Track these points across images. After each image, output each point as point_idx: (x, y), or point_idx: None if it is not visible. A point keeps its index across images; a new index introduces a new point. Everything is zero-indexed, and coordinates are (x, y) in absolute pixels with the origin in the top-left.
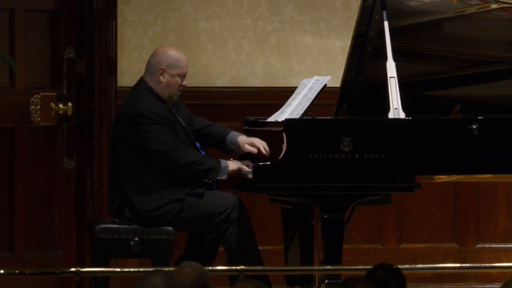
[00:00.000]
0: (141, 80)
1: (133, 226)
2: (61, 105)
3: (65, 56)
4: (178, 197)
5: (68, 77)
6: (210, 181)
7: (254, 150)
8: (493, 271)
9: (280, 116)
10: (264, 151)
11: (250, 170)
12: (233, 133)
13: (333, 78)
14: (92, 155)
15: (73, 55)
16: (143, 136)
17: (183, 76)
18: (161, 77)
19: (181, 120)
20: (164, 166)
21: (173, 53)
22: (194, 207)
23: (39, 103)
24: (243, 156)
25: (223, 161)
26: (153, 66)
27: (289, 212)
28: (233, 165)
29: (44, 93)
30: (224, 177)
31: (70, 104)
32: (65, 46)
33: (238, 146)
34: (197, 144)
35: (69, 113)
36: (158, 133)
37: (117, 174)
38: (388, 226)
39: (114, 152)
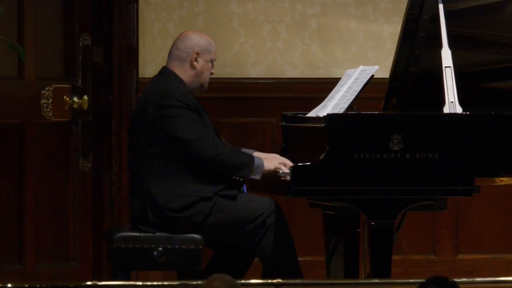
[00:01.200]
0: (165, 69)
1: (156, 234)
2: (75, 99)
3: (80, 44)
4: (207, 195)
5: (83, 67)
6: (241, 180)
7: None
8: None
9: (321, 111)
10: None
11: (288, 171)
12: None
13: (381, 68)
14: (110, 155)
15: (89, 42)
16: (168, 122)
17: (213, 62)
18: (195, 62)
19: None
20: (190, 157)
21: (204, 37)
22: (225, 211)
23: (51, 96)
24: (280, 155)
25: (257, 158)
26: (183, 51)
27: (332, 219)
28: (269, 164)
29: (56, 85)
30: (257, 176)
31: (86, 98)
32: (80, 32)
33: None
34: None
35: (85, 107)
36: (184, 119)
37: (138, 172)
38: (443, 235)
39: (134, 144)
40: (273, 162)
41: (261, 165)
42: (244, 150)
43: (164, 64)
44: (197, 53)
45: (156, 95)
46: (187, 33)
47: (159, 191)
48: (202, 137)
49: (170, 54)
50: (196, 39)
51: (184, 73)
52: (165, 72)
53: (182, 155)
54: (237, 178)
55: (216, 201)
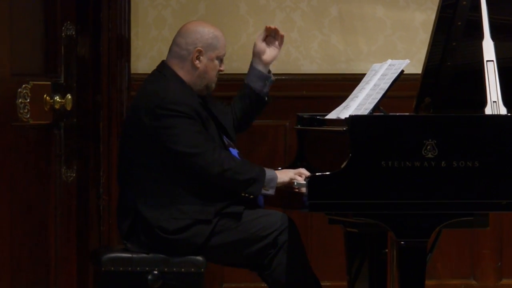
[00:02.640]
0: (164, 66)
1: (151, 255)
2: (57, 98)
3: (63, 34)
4: (203, 218)
5: (66, 61)
6: (251, 197)
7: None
8: None
9: (343, 112)
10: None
11: (304, 182)
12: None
13: (413, 62)
14: (98, 163)
15: (73, 32)
16: (165, 134)
17: (221, 58)
18: (197, 61)
19: (217, 117)
20: (190, 174)
21: (209, 30)
22: (229, 230)
23: (29, 95)
24: (294, 163)
25: (269, 171)
26: (184, 48)
27: (355, 237)
28: (283, 176)
29: (35, 82)
30: (270, 191)
31: (69, 97)
32: (62, 21)
33: (258, 56)
34: (235, 152)
35: (68, 108)
36: (185, 130)
37: (127, 187)
38: (484, 256)
39: (125, 156)
40: (287, 173)
41: (274, 178)
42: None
43: (162, 58)
44: (199, 51)
45: (151, 101)
46: (188, 26)
47: (149, 209)
48: (206, 151)
49: (170, 50)
50: (199, 34)
51: (186, 74)
52: (164, 71)
53: (179, 171)
54: (247, 195)
55: (218, 222)
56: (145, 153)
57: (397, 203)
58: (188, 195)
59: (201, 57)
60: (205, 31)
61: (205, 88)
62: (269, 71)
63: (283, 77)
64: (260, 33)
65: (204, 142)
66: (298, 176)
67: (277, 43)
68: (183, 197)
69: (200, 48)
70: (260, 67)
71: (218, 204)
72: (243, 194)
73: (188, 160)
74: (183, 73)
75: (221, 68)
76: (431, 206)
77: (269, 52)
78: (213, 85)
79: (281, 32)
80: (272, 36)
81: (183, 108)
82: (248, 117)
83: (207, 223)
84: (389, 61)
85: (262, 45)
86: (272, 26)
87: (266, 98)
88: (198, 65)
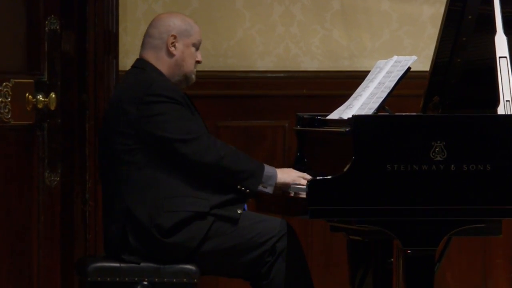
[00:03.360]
0: (140, 61)
1: (141, 264)
2: (40, 97)
3: (46, 29)
4: (201, 210)
5: (50, 58)
6: (247, 191)
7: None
8: None
9: (345, 112)
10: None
11: (303, 186)
12: None
13: (420, 59)
14: (83, 167)
15: (57, 27)
16: (155, 122)
17: (198, 47)
18: (172, 48)
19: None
20: (182, 162)
21: (182, 17)
22: (224, 235)
23: (10, 93)
24: (293, 167)
25: (269, 167)
26: (157, 38)
27: (359, 246)
28: (284, 175)
29: (16, 80)
30: (268, 189)
31: (53, 95)
32: (46, 15)
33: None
34: None
35: (52, 107)
36: (176, 116)
37: (114, 188)
38: (497, 266)
39: (107, 157)
40: (290, 173)
41: (274, 175)
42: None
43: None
44: (174, 36)
45: (135, 91)
46: (159, 17)
47: (142, 207)
48: (201, 136)
49: (143, 44)
50: (171, 21)
51: (162, 64)
52: (141, 65)
53: (171, 161)
54: (243, 188)
55: (213, 222)
56: (131, 145)
57: (404, 209)
58: (181, 187)
59: (176, 44)
60: (177, 18)
61: (184, 79)
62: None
63: (282, 75)
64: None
65: (198, 128)
66: (302, 179)
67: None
68: (176, 188)
69: (174, 34)
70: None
71: (213, 198)
72: (238, 187)
73: (181, 147)
74: (160, 64)
75: (199, 59)
76: (440, 212)
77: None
78: (193, 77)
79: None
80: None
81: (173, 94)
82: None
83: (203, 219)
84: (395, 58)
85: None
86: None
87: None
88: (174, 52)
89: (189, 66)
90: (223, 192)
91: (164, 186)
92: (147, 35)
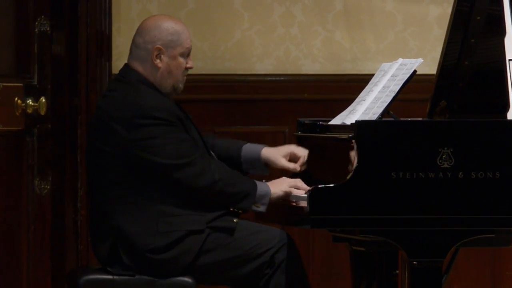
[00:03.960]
0: (127, 69)
1: (136, 277)
2: (30, 101)
3: (36, 30)
4: (196, 228)
5: (40, 60)
6: (240, 212)
7: (296, 167)
8: None
9: (348, 117)
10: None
11: (304, 195)
12: (250, 145)
13: (426, 62)
14: (75, 174)
15: (48, 28)
16: (146, 146)
17: (187, 54)
18: (157, 61)
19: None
20: (176, 187)
21: (169, 24)
22: (221, 247)
23: None
24: (294, 175)
25: (261, 185)
26: (142, 48)
27: (362, 257)
28: (276, 190)
29: (5, 84)
30: (262, 208)
31: (44, 100)
32: (36, 15)
33: (263, 164)
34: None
35: (42, 112)
36: (167, 139)
37: (102, 204)
38: (507, 278)
39: (94, 172)
40: (281, 187)
41: (267, 194)
42: (250, 144)
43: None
44: (159, 49)
45: (125, 111)
46: (145, 23)
47: (134, 228)
48: (194, 160)
49: (130, 51)
50: (157, 30)
51: (149, 76)
52: (127, 75)
53: (164, 184)
54: (236, 210)
55: (209, 235)
56: (120, 166)
57: (409, 218)
58: (176, 206)
59: (161, 56)
60: (164, 27)
61: (172, 90)
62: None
63: (282, 78)
64: (285, 153)
65: (191, 150)
66: (294, 189)
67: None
68: (170, 208)
69: (159, 46)
70: (261, 169)
71: (208, 214)
72: (231, 209)
73: (174, 172)
74: (147, 75)
75: (189, 65)
76: (447, 222)
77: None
78: (181, 86)
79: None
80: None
81: (164, 115)
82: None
83: (200, 233)
84: (400, 60)
85: (281, 163)
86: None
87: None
88: (159, 65)
89: (177, 77)
90: (219, 207)
91: (157, 206)
92: (133, 43)
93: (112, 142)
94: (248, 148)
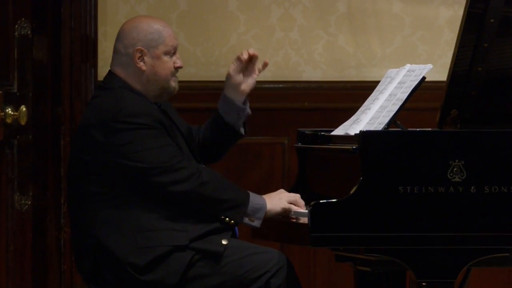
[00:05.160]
0: (110, 76)
1: None
2: (9, 110)
3: (16, 34)
4: (179, 243)
5: (20, 66)
6: (232, 222)
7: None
8: None
9: (352, 127)
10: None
11: (304, 211)
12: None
13: (436, 68)
14: (58, 188)
15: (29, 32)
16: (124, 151)
17: (173, 52)
18: (141, 63)
19: (179, 127)
20: (159, 193)
21: (148, 23)
22: (210, 274)
23: None
24: (294, 189)
25: (256, 197)
26: (123, 54)
27: (367, 278)
28: (274, 205)
29: None
30: (256, 223)
31: (24, 109)
32: (16, 18)
33: (234, 88)
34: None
35: (23, 122)
36: (147, 143)
37: (82, 217)
38: None
39: (74, 184)
40: (279, 201)
41: (262, 208)
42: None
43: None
44: (140, 50)
45: (104, 115)
46: (123, 27)
47: (114, 241)
48: (178, 163)
49: (112, 58)
50: (135, 32)
51: (134, 82)
52: (110, 83)
53: (143, 192)
54: (227, 219)
55: (196, 261)
56: (99, 176)
57: (418, 236)
58: (156, 221)
59: (144, 58)
60: (142, 27)
61: (163, 91)
62: (245, 101)
63: (281, 86)
64: (234, 64)
65: (174, 153)
66: (293, 206)
67: (256, 69)
68: (149, 223)
69: (140, 48)
70: (236, 98)
71: (193, 229)
72: (222, 217)
73: (157, 177)
74: (131, 81)
75: (178, 65)
76: (458, 240)
77: (247, 82)
78: (173, 85)
79: (265, 59)
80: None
81: (144, 119)
82: (219, 149)
83: (182, 251)
84: (408, 66)
85: (239, 77)
86: (245, 56)
87: (242, 130)
88: (144, 68)
89: (165, 77)
90: (204, 222)
91: (137, 219)
92: (114, 49)
93: (89, 149)
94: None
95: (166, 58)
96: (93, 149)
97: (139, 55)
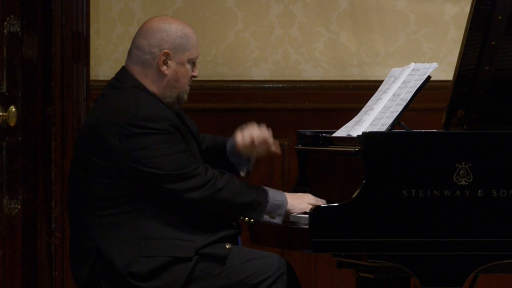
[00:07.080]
0: (124, 74)
1: None
2: None
3: (5, 31)
4: (184, 255)
5: (9, 65)
6: (251, 221)
7: (245, 139)
8: None
9: (355, 128)
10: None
11: (305, 215)
12: (232, 139)
13: (442, 66)
14: (49, 192)
15: (18, 29)
16: (138, 156)
17: (194, 61)
18: (164, 67)
19: (193, 131)
20: (170, 201)
21: (177, 27)
22: (211, 277)
23: None
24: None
25: (276, 193)
26: (147, 52)
27: (370, 285)
28: (296, 203)
29: None
30: (277, 220)
31: (13, 109)
32: (5, 15)
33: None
34: None
35: (12, 123)
36: (164, 149)
37: (82, 223)
38: None
39: (77, 187)
40: (301, 203)
41: (283, 204)
42: (232, 138)
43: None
44: (166, 54)
45: (117, 117)
46: (150, 24)
47: (115, 248)
48: (194, 169)
49: (129, 53)
50: (164, 32)
51: (151, 84)
52: (124, 80)
53: (150, 198)
54: (246, 219)
55: (198, 263)
56: (108, 179)
57: (422, 242)
58: (161, 228)
59: (169, 62)
60: (172, 29)
61: (177, 100)
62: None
63: (281, 85)
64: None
65: (190, 160)
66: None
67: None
68: (155, 230)
69: (167, 51)
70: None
71: (199, 239)
72: (241, 218)
73: (173, 184)
74: (148, 82)
75: (194, 74)
76: (465, 245)
77: (256, 152)
78: (185, 96)
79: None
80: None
81: (160, 124)
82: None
83: (186, 261)
84: (413, 65)
85: (246, 151)
86: (278, 151)
87: (242, 174)
88: (166, 72)
89: (183, 86)
90: (212, 231)
91: (142, 226)
92: (135, 45)
93: (101, 152)
94: (231, 144)
95: (188, 66)
96: (105, 152)
97: (165, 58)
